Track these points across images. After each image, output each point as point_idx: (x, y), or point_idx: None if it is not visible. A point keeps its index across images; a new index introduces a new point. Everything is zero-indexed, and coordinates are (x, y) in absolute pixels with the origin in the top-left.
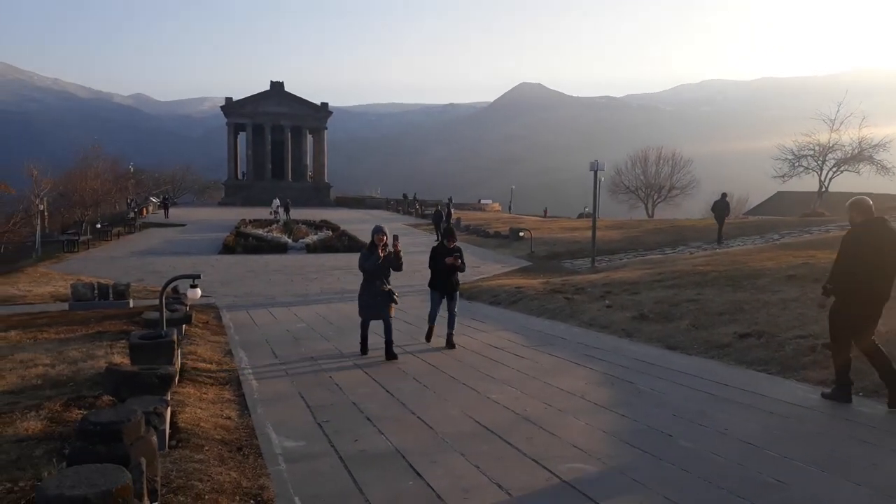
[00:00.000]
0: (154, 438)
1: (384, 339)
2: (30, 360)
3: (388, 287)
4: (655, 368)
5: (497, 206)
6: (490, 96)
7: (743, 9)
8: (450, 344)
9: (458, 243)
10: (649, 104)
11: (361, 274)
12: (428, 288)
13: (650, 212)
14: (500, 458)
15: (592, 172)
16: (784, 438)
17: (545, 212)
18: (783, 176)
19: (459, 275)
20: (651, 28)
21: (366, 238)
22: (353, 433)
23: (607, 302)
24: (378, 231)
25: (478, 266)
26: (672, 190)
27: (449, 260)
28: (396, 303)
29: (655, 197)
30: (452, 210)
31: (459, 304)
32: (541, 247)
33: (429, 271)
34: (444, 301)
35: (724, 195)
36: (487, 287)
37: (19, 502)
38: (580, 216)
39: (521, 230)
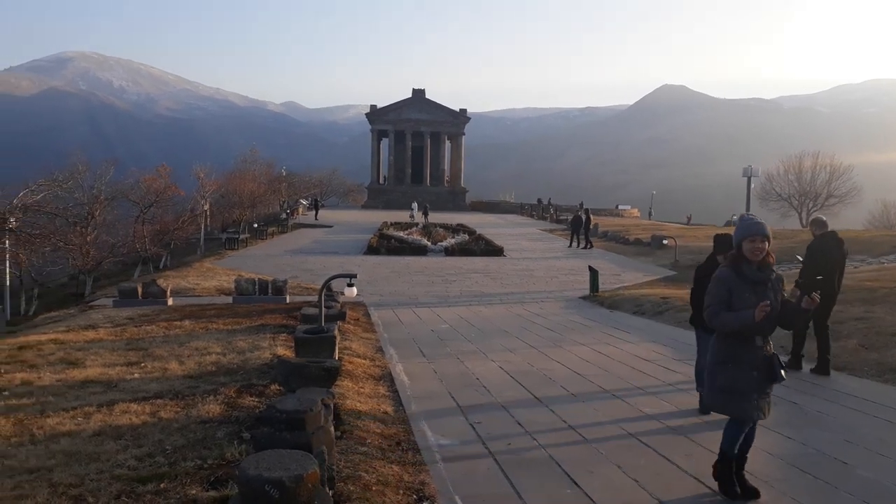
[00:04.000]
0: (332, 428)
1: (735, 453)
2: (204, 348)
3: (771, 348)
4: (821, 389)
5: (636, 211)
6: (630, 99)
7: None
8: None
9: (594, 248)
10: (804, 106)
11: (498, 277)
12: (691, 325)
13: (804, 221)
14: (658, 473)
15: (739, 178)
16: None
17: (688, 219)
18: None
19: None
20: (808, 25)
21: (502, 241)
22: (506, 437)
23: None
24: (753, 231)
25: (618, 274)
26: (829, 198)
27: None
28: (783, 377)
29: (810, 205)
30: (592, 216)
31: (600, 314)
32: (685, 255)
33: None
34: None
35: None
36: (630, 296)
37: (209, 479)
38: (727, 224)
39: (664, 237)
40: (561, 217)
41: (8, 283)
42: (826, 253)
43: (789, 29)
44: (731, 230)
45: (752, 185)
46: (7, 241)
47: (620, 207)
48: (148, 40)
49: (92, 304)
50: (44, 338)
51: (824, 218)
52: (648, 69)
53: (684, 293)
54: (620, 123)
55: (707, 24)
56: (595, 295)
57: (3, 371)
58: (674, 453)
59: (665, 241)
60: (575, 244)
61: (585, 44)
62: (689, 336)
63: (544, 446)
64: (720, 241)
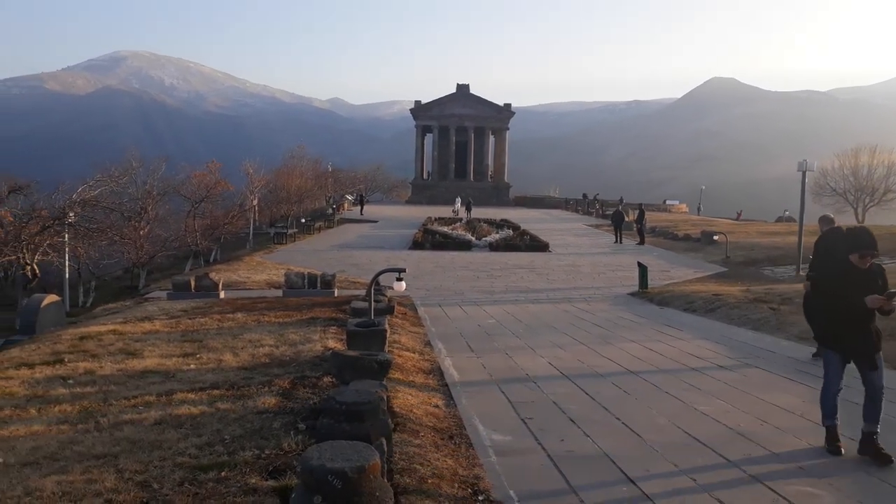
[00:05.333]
0: (389, 421)
1: None
2: (257, 340)
3: None
4: (887, 391)
5: (684, 207)
6: (678, 92)
7: None
8: (875, 452)
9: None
10: (860, 98)
11: (544, 272)
12: (817, 343)
13: (860, 217)
14: (718, 473)
15: (791, 173)
16: None
17: (738, 214)
18: None
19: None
20: (864, 12)
21: (547, 237)
22: (559, 433)
23: None
24: None
25: (667, 270)
26: (888, 193)
27: (876, 301)
28: None
29: (867, 201)
30: (637, 210)
31: (649, 310)
32: (737, 252)
33: None
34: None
35: None
36: (680, 292)
37: (267, 468)
38: (779, 220)
39: (714, 233)
40: (607, 212)
41: (67, 275)
42: (829, 247)
43: (844, 17)
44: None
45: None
46: (66, 235)
47: (668, 202)
48: (197, 39)
49: (147, 296)
50: (103, 329)
51: (832, 215)
52: (697, 61)
53: (736, 290)
54: (668, 117)
55: (758, 13)
56: (644, 291)
57: (67, 360)
58: (732, 453)
59: (715, 237)
60: (619, 240)
61: (632, 36)
62: (743, 334)
63: (598, 443)
64: (859, 239)
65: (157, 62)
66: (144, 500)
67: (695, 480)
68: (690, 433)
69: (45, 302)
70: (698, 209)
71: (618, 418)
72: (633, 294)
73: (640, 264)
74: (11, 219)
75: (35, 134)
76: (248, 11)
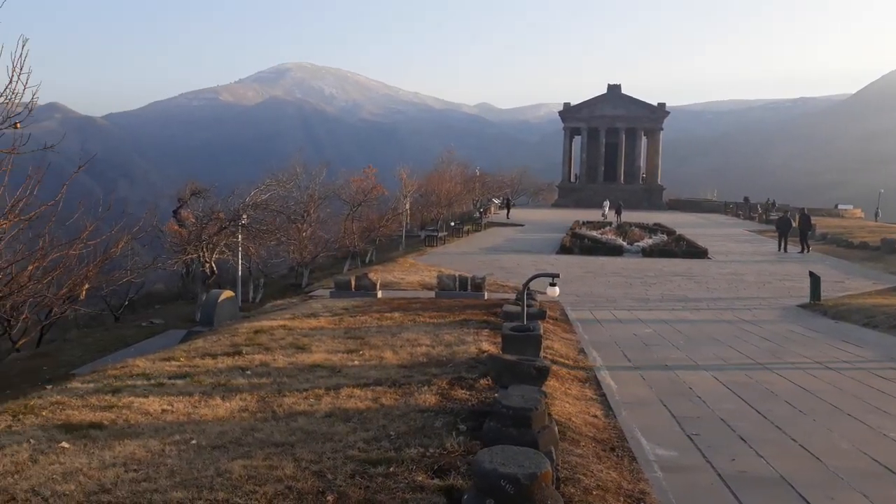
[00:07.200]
0: (555, 428)
1: None
2: (414, 339)
3: None
4: None
5: (858, 212)
6: (851, 88)
7: None
8: None
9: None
10: None
11: (703, 280)
12: None
13: None
14: None
15: None
16: None
17: None
18: None
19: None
20: None
21: (705, 242)
22: (728, 451)
23: None
24: None
25: (841, 281)
26: None
27: None
28: None
29: None
30: (806, 216)
31: (822, 324)
32: None
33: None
34: None
35: None
36: (858, 306)
37: (433, 467)
38: None
39: None
40: (771, 217)
41: (240, 272)
42: None
43: None
44: None
45: None
46: (240, 235)
47: (841, 207)
48: (354, 50)
49: (311, 294)
50: (274, 324)
51: None
52: (872, 55)
53: None
54: (838, 115)
55: None
56: (816, 303)
57: (244, 352)
58: None
59: None
60: (783, 248)
61: (799, 29)
62: None
63: (772, 464)
64: None
65: (317, 73)
66: (321, 489)
67: None
68: (879, 461)
69: (222, 297)
70: (876, 214)
71: (793, 439)
72: (803, 306)
73: (811, 274)
74: (194, 220)
75: (212, 142)
76: (402, 23)
